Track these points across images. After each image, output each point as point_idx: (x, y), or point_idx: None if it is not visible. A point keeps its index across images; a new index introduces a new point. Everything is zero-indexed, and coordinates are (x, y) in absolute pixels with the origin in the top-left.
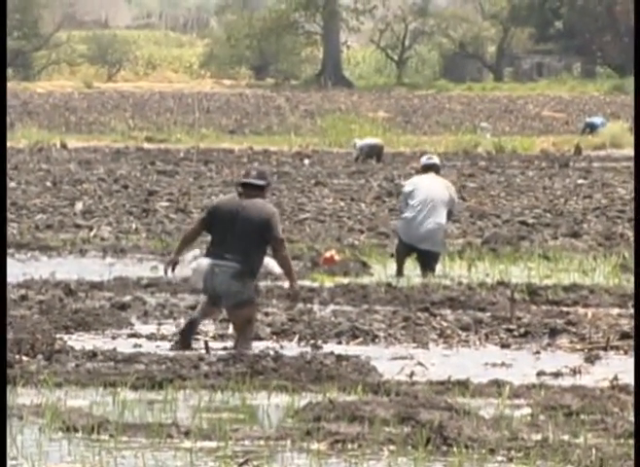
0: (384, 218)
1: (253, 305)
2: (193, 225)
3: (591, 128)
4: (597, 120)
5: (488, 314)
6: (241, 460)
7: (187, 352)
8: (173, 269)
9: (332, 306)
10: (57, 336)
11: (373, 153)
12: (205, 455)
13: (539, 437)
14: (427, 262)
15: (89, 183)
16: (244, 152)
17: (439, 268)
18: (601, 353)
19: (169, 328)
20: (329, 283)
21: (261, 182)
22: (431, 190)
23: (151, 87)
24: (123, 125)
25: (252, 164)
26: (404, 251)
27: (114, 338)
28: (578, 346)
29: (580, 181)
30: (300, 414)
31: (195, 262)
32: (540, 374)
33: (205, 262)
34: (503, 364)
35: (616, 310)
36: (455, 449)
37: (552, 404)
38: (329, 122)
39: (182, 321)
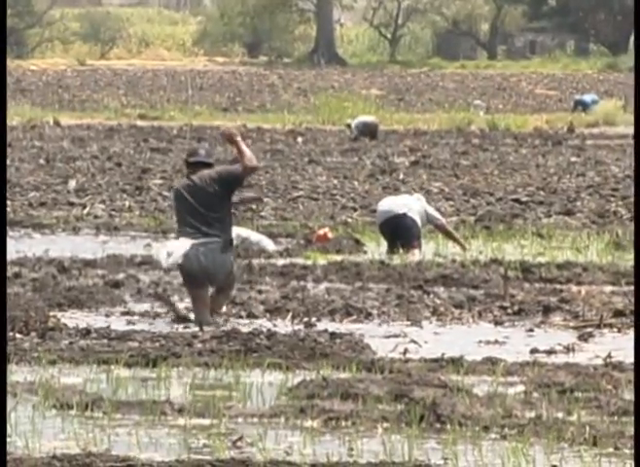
0: (377, 196)
1: (236, 273)
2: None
3: (582, 106)
4: (587, 97)
5: (482, 292)
6: (235, 438)
7: (180, 330)
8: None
9: (325, 284)
10: (51, 313)
11: (368, 131)
12: (199, 433)
13: (532, 414)
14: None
15: (83, 160)
16: (238, 130)
17: (432, 245)
18: (594, 331)
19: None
20: (322, 261)
21: (210, 160)
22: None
23: (144, 64)
24: (116, 103)
25: (197, 143)
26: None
27: (107, 315)
28: (571, 324)
29: (573, 159)
30: (293, 392)
31: (171, 245)
32: (533, 351)
33: (184, 243)
34: (496, 341)
35: (609, 288)
36: (449, 426)
37: (546, 381)
38: (322, 99)
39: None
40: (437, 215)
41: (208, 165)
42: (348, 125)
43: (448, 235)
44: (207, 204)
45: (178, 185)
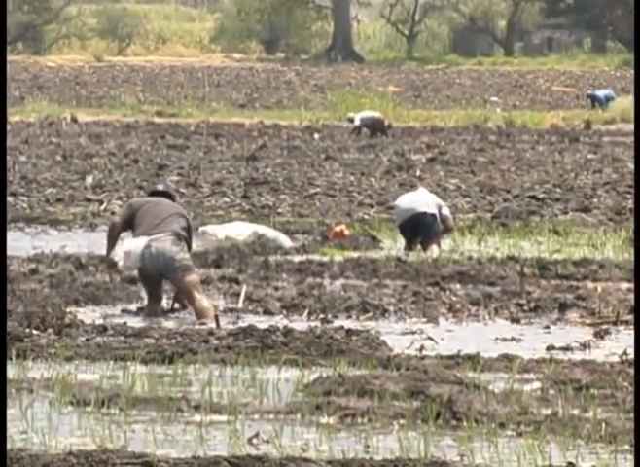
0: (394, 192)
1: (195, 271)
2: (113, 225)
3: (594, 101)
4: (600, 93)
5: (498, 289)
6: (251, 434)
7: (197, 326)
8: (115, 266)
9: (342, 281)
10: (68, 309)
11: (375, 126)
12: (215, 429)
13: (549, 411)
14: None
15: (100, 157)
16: (254, 126)
17: (449, 242)
18: (611, 328)
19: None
20: (339, 257)
21: (170, 191)
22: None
23: (161, 61)
24: (133, 100)
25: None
26: None
27: (125, 311)
28: (587, 321)
29: (590, 156)
30: (309, 389)
31: (128, 245)
32: (550, 348)
33: (138, 241)
34: (513, 338)
35: (625, 285)
36: (465, 423)
37: (562, 378)
38: (339, 96)
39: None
40: (446, 209)
41: (169, 197)
42: (351, 119)
43: (447, 228)
44: (169, 216)
45: (139, 200)
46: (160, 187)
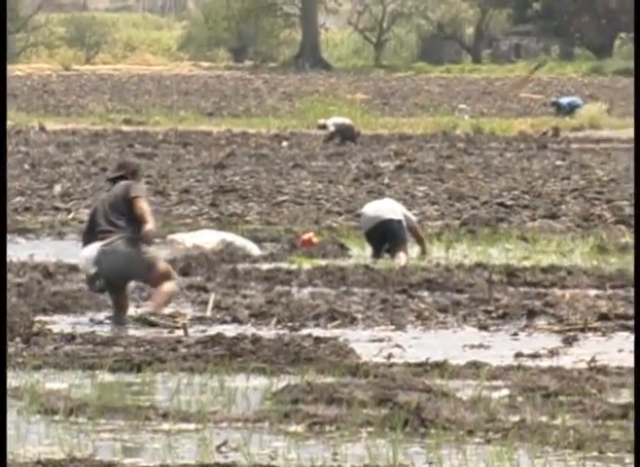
0: (362, 200)
1: (159, 260)
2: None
3: (560, 109)
4: (564, 100)
5: (466, 296)
6: (219, 443)
7: (165, 335)
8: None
9: (310, 289)
10: (36, 318)
11: (345, 132)
12: (183, 438)
13: (517, 418)
14: None
15: (68, 165)
16: (223, 134)
17: (417, 249)
18: (579, 335)
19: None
20: (307, 265)
21: (119, 173)
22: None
23: (129, 69)
24: (101, 108)
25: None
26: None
27: (92, 320)
28: (556, 328)
29: (558, 162)
30: (278, 397)
31: (84, 252)
32: (518, 355)
33: (91, 248)
34: (481, 345)
35: (593, 292)
36: (433, 430)
37: (530, 385)
38: (307, 104)
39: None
40: (413, 217)
41: (120, 178)
42: (323, 126)
43: (417, 238)
44: (116, 212)
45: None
46: (110, 175)
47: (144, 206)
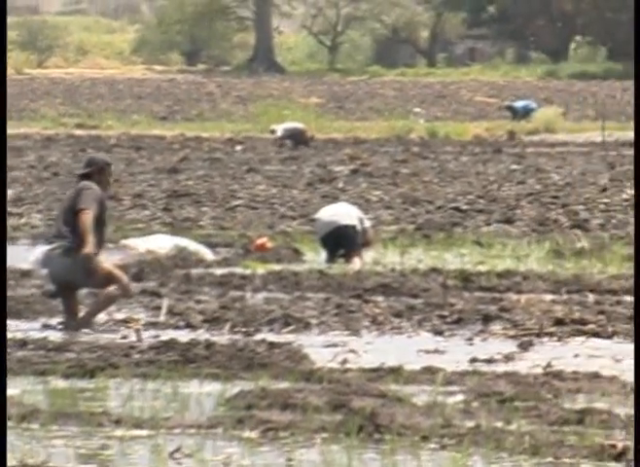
0: (317, 205)
1: (98, 267)
2: None
3: (514, 113)
4: (518, 104)
5: (421, 301)
6: (173, 449)
7: (118, 340)
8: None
9: (264, 294)
10: None
11: (296, 136)
12: (136, 444)
13: (472, 424)
14: None
15: (20, 170)
16: (176, 138)
17: (371, 254)
18: (534, 340)
19: (101, 316)
20: (261, 270)
21: (87, 169)
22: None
23: (82, 73)
24: (53, 112)
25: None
26: None
27: (45, 326)
28: (511, 333)
29: (513, 167)
30: (231, 402)
31: (35, 252)
32: (473, 360)
33: (41, 250)
34: (436, 350)
35: (549, 297)
36: (388, 436)
37: (486, 390)
38: (261, 108)
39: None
40: (367, 222)
41: (87, 175)
42: (273, 131)
43: (366, 242)
44: (65, 213)
45: None
46: (79, 171)
47: (87, 222)
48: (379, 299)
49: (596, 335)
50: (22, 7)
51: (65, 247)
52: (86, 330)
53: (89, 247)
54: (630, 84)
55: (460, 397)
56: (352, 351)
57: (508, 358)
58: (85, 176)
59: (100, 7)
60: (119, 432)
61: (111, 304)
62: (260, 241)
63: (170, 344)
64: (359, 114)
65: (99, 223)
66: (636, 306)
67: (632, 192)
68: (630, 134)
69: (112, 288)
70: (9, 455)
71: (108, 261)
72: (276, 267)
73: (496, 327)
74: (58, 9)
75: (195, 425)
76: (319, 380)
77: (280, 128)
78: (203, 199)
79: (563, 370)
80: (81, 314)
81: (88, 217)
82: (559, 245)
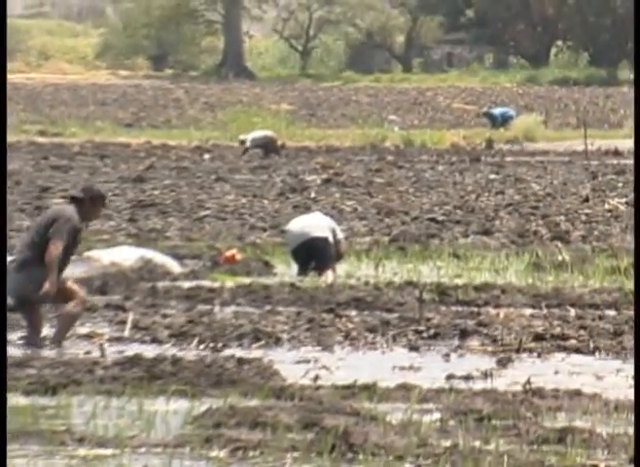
0: (288, 215)
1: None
2: None
3: (491, 120)
4: (496, 111)
5: (396, 315)
6: None
7: (81, 356)
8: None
9: (233, 308)
10: None
11: (266, 145)
12: (100, 463)
13: (449, 443)
14: None
15: None
16: (142, 146)
17: (345, 267)
18: (513, 356)
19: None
20: (230, 283)
21: (79, 194)
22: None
23: (44, 78)
24: (14, 119)
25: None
26: None
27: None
28: (489, 348)
29: (492, 176)
30: (199, 421)
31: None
32: (450, 377)
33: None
34: (411, 367)
35: (529, 311)
36: (361, 455)
37: (463, 408)
38: (230, 115)
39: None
40: (340, 233)
41: (74, 199)
42: (242, 141)
43: (337, 254)
44: (33, 230)
45: None
46: (71, 193)
47: (53, 256)
48: (353, 313)
49: (578, 351)
50: None
51: (19, 262)
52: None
53: (51, 286)
54: (614, 90)
55: (436, 415)
56: (324, 367)
57: (486, 375)
58: (74, 200)
59: (63, 10)
60: (82, 451)
61: (74, 321)
62: (229, 253)
63: (135, 360)
64: (332, 121)
65: (67, 253)
66: (636, 313)
67: (614, 202)
68: (613, 143)
69: (70, 305)
70: None
71: (69, 274)
72: (246, 280)
73: (474, 342)
74: (20, 12)
75: (161, 444)
76: (290, 398)
77: (249, 138)
78: (170, 210)
79: (543, 387)
80: (49, 335)
81: (56, 251)
82: (539, 258)
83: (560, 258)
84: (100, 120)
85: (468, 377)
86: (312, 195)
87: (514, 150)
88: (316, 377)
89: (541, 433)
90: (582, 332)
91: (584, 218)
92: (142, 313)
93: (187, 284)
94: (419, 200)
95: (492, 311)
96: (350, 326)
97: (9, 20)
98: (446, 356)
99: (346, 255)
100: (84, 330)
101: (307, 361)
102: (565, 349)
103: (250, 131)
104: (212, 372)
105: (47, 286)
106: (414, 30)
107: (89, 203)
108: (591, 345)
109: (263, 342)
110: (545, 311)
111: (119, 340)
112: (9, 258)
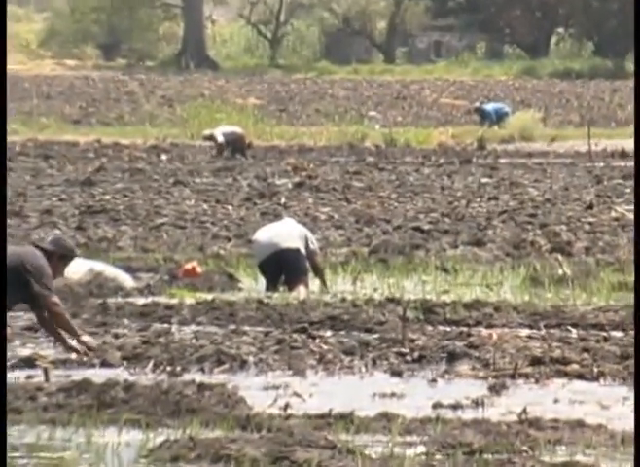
0: (255, 223)
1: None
2: None
3: (483, 116)
4: (489, 106)
5: (376, 336)
6: None
7: (22, 380)
8: None
9: (193, 327)
10: None
11: (235, 142)
12: None
13: None
14: None
15: None
16: (91, 145)
17: (318, 282)
18: (508, 382)
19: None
20: (190, 300)
21: (48, 246)
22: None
23: None
24: None
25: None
26: None
27: None
28: (481, 374)
29: (484, 180)
30: (155, 454)
31: None
32: (436, 406)
33: None
34: (393, 394)
35: (525, 331)
36: None
37: (451, 441)
38: (190, 110)
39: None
40: (315, 243)
41: (45, 251)
42: (209, 137)
43: (315, 268)
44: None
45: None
46: (40, 243)
47: (62, 315)
48: (327, 333)
49: (580, 376)
50: None
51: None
52: None
53: (89, 341)
54: (621, 83)
55: (421, 448)
56: (295, 395)
57: (477, 403)
58: (43, 251)
59: None
60: None
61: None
62: (188, 266)
63: (83, 386)
64: (305, 118)
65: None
66: (636, 319)
67: (621, 210)
68: (620, 143)
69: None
70: None
71: None
72: (208, 295)
73: (463, 367)
74: None
75: None
76: (257, 428)
77: (218, 133)
78: (123, 217)
79: (541, 417)
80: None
81: (59, 308)
82: (537, 272)
83: (561, 272)
84: (45, 115)
85: (457, 406)
86: (283, 200)
87: (508, 150)
88: (286, 406)
89: None
90: (584, 355)
91: (587, 227)
92: (91, 333)
93: (141, 300)
94: (403, 207)
95: (484, 332)
96: (325, 348)
97: None
98: (433, 382)
99: (322, 268)
100: (25, 351)
101: (277, 387)
102: (566, 375)
103: (214, 128)
104: (169, 399)
105: (88, 344)
106: (398, 16)
107: (59, 259)
108: (595, 370)
109: (226, 366)
110: (543, 332)
111: (64, 362)
112: None
